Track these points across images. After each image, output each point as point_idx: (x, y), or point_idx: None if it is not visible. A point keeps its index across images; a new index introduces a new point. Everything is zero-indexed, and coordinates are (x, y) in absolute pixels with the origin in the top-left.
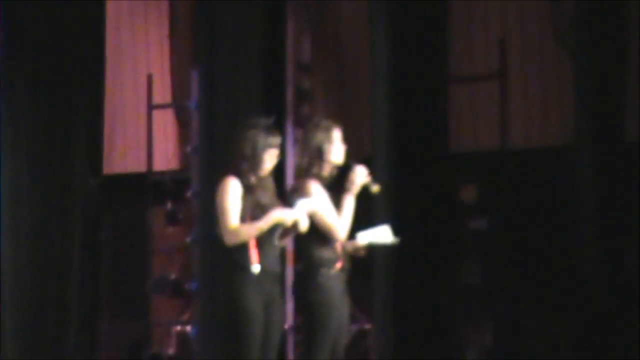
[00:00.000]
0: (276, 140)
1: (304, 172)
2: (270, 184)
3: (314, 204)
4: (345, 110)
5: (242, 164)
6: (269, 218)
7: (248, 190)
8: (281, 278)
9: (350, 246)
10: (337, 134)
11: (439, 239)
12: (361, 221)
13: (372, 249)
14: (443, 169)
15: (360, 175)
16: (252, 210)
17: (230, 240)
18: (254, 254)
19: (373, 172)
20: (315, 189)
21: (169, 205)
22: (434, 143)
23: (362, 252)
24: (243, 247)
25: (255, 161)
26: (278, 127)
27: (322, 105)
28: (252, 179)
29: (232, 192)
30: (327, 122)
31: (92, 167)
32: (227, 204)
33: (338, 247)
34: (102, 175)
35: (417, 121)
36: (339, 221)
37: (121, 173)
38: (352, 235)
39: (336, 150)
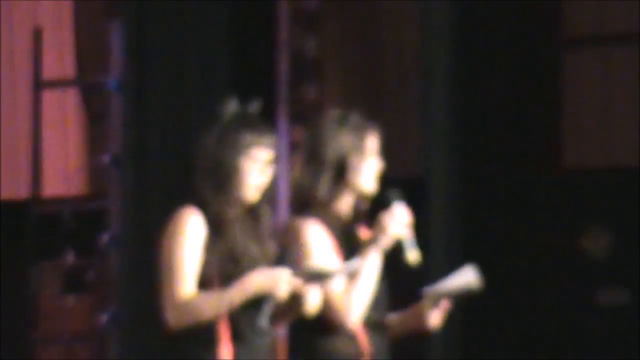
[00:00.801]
0: (265, 138)
1: (303, 204)
2: (262, 219)
3: (345, 269)
4: (378, 95)
5: (205, 183)
6: (248, 285)
7: (217, 230)
8: None
9: (410, 320)
10: (371, 141)
11: (543, 323)
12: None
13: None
14: (549, 199)
15: (399, 221)
16: (222, 267)
17: (177, 320)
18: (225, 348)
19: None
20: (313, 235)
21: (69, 259)
22: (533, 155)
23: (432, 323)
24: (205, 336)
25: (226, 177)
26: (267, 120)
27: (338, 86)
28: (226, 210)
29: (189, 236)
30: (356, 117)
31: None
32: (177, 257)
33: (361, 334)
34: None
35: (502, 119)
36: (348, 296)
37: None
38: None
39: (368, 170)
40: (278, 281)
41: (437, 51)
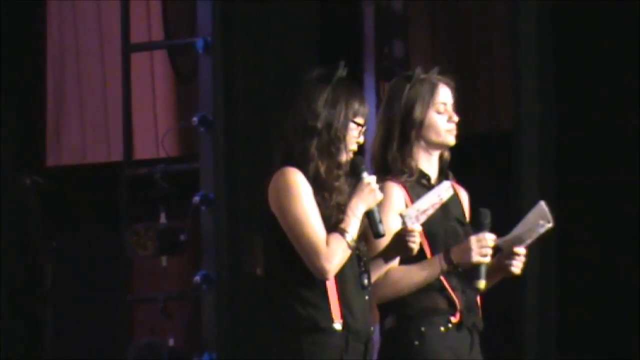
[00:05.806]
0: (365, 107)
1: (378, 163)
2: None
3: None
4: (465, 51)
5: (312, 142)
6: (355, 212)
7: (321, 189)
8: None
9: (496, 270)
10: (442, 94)
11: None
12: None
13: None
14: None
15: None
16: (332, 222)
17: (332, 266)
18: (335, 308)
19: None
20: (396, 196)
21: (162, 220)
22: (619, 108)
23: (514, 271)
24: (313, 290)
25: (335, 140)
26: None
27: (425, 43)
28: (331, 171)
29: (304, 191)
30: (421, 72)
31: (25, 157)
32: (302, 212)
33: (450, 289)
34: (44, 169)
35: (594, 72)
36: (399, 281)
37: (78, 165)
38: None
39: (436, 123)
40: (370, 191)
41: (525, 6)
